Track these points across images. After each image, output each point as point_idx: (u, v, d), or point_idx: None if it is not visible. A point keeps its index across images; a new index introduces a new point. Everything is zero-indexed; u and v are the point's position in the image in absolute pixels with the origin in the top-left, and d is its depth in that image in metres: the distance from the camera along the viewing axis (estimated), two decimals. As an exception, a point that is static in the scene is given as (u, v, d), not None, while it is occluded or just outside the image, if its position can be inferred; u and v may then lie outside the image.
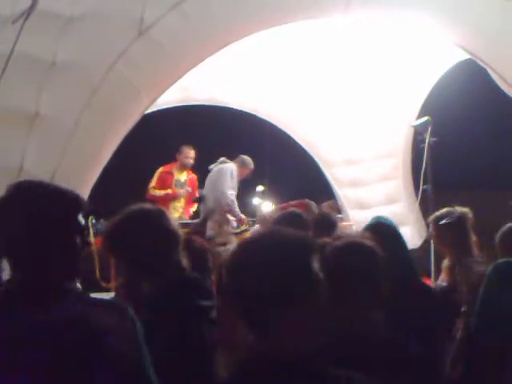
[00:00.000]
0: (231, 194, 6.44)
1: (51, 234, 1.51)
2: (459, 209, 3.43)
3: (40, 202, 1.54)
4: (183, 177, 6.99)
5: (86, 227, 1.63)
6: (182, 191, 6.82)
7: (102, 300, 1.64)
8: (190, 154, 6.95)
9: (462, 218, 3.38)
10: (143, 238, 2.07)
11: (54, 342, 1.41)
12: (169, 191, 6.75)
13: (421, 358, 1.85)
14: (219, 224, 6.42)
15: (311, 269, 1.31)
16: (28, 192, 1.57)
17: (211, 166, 6.92)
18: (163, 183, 6.83)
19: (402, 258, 2.71)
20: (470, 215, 3.41)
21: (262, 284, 1.27)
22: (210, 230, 6.34)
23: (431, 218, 3.59)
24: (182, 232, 2.23)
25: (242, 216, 6.52)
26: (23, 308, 1.46)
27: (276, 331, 1.29)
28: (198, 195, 7.03)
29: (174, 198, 6.69)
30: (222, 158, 6.83)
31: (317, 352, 1.31)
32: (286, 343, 1.29)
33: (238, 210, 6.44)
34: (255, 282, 1.28)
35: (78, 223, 1.58)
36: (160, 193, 6.70)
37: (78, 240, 1.56)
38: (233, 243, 5.99)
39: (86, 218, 1.64)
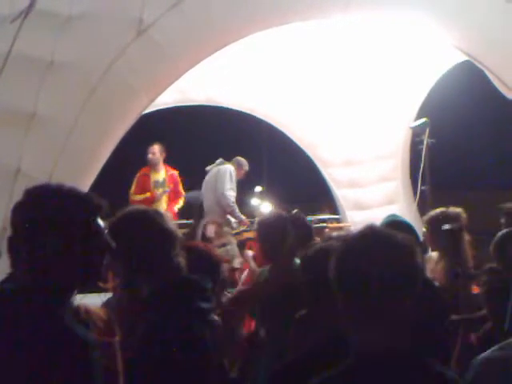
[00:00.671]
0: (231, 195, 6.47)
1: (74, 237, 1.53)
2: (453, 209, 3.44)
3: (61, 205, 1.55)
4: (161, 176, 6.95)
5: (106, 229, 1.63)
6: (159, 192, 6.80)
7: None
8: (150, 150, 6.91)
9: (456, 220, 3.39)
10: (141, 238, 2.06)
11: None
12: (147, 195, 6.73)
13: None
14: (219, 225, 6.44)
15: (419, 271, 1.38)
16: (47, 195, 1.58)
17: (208, 168, 6.91)
18: (142, 187, 6.83)
19: None
20: (464, 216, 3.42)
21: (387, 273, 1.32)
22: (209, 231, 6.36)
23: (425, 218, 3.60)
24: (179, 232, 2.22)
25: (243, 217, 6.55)
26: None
27: (389, 328, 1.34)
28: (181, 191, 7.01)
29: (152, 200, 6.67)
30: (220, 160, 6.84)
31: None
32: (397, 338, 1.34)
33: (238, 211, 6.47)
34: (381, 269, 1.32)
35: (95, 226, 1.59)
36: (140, 197, 6.69)
37: (96, 243, 1.58)
38: (233, 244, 6.03)
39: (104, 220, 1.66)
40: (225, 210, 6.47)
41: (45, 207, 1.53)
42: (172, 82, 4.03)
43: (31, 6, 3.99)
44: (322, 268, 1.50)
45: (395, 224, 2.81)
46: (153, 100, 4.04)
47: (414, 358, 1.35)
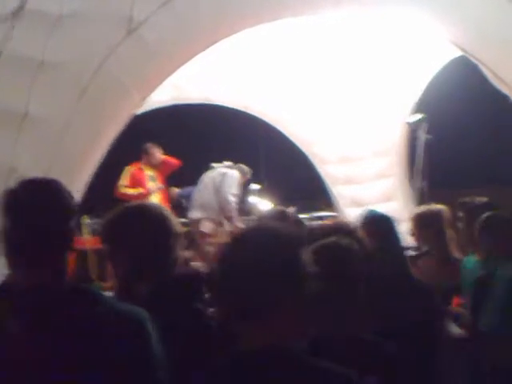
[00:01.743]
0: (235, 201, 6.53)
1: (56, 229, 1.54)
2: (436, 206, 3.47)
3: (44, 197, 1.56)
4: (151, 172, 6.97)
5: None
6: (153, 188, 6.77)
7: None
8: (157, 154, 6.93)
9: (439, 216, 3.43)
10: (142, 234, 2.03)
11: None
12: (141, 190, 6.69)
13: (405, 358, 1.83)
14: (216, 223, 6.46)
15: (299, 263, 1.33)
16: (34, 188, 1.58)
17: (214, 165, 6.92)
18: (136, 181, 6.78)
19: (394, 254, 2.71)
20: (447, 213, 3.46)
21: (254, 279, 1.30)
22: (204, 227, 6.40)
23: (411, 215, 3.67)
24: (180, 228, 2.20)
25: (240, 226, 6.58)
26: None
27: (267, 324, 1.30)
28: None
29: (147, 196, 6.64)
30: (229, 163, 6.88)
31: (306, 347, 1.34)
32: (278, 336, 1.31)
33: (236, 218, 6.54)
34: (247, 276, 1.31)
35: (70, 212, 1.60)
36: (132, 191, 6.63)
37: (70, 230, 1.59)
38: None
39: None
40: (225, 213, 6.50)
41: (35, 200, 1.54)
42: (163, 80, 4.02)
43: (22, 5, 3.97)
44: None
45: (371, 221, 2.82)
46: (144, 98, 4.03)
47: (295, 357, 1.31)
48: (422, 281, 2.86)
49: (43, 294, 1.47)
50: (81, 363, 1.41)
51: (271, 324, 1.31)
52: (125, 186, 6.71)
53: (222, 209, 6.49)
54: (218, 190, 6.55)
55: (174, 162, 7.08)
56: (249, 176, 6.98)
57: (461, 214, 3.29)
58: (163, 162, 6.96)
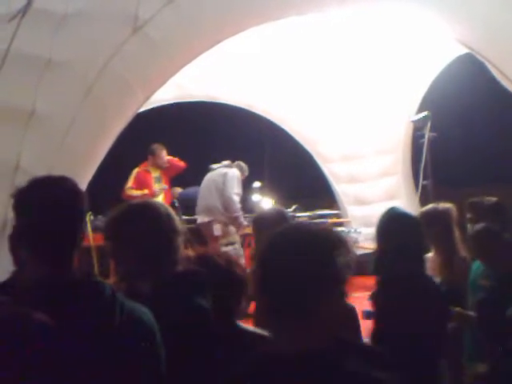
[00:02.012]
0: (238, 200, 6.56)
1: (66, 225, 1.55)
2: (444, 204, 3.44)
3: (55, 194, 1.56)
4: (158, 173, 7.00)
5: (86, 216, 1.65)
6: (157, 189, 6.82)
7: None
8: (164, 155, 6.96)
9: (446, 215, 3.40)
10: (145, 231, 2.04)
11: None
12: (145, 191, 6.74)
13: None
14: (225, 224, 6.49)
15: (337, 264, 1.33)
16: (45, 185, 1.60)
17: (214, 166, 6.93)
18: (141, 183, 6.84)
19: (411, 253, 2.65)
20: (455, 211, 3.43)
21: (294, 281, 1.30)
22: (217, 230, 6.44)
23: (419, 213, 3.63)
24: (183, 227, 2.21)
25: (245, 223, 6.60)
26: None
27: (306, 325, 1.31)
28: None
29: (151, 197, 6.68)
30: (228, 162, 6.88)
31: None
32: (316, 337, 1.30)
33: (242, 217, 6.55)
34: (287, 277, 1.31)
35: (81, 211, 1.62)
36: (137, 193, 6.69)
37: (80, 228, 1.60)
38: (239, 243, 6.11)
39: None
40: (230, 213, 6.53)
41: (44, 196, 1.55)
42: (168, 79, 4.02)
43: (28, 4, 3.99)
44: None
45: (396, 217, 2.78)
46: (149, 97, 4.04)
47: (327, 359, 1.30)
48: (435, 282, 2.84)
49: (54, 288, 1.48)
50: (91, 357, 1.42)
51: (310, 325, 1.31)
52: (130, 187, 6.78)
53: (227, 209, 6.52)
54: (222, 193, 6.58)
55: (179, 164, 7.08)
56: (247, 173, 6.97)
57: (469, 215, 3.24)
58: (169, 164, 6.98)
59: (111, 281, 2.30)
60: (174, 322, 1.88)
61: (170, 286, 2.00)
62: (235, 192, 6.56)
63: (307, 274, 1.30)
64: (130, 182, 6.83)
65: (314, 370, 1.27)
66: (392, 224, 2.71)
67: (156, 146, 6.98)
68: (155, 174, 6.96)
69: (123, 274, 2.11)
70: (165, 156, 6.96)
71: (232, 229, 6.54)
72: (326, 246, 1.35)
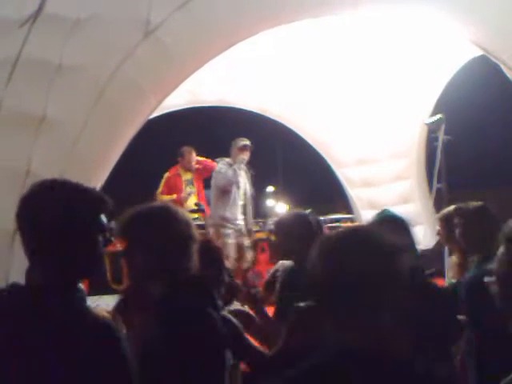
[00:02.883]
0: (225, 183, 6.46)
1: (74, 231, 1.53)
2: (471, 203, 3.40)
3: (65, 199, 1.55)
4: (189, 175, 6.97)
5: (109, 227, 1.64)
6: (184, 195, 6.78)
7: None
8: (192, 158, 6.92)
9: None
10: (159, 234, 2.02)
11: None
12: (173, 196, 6.72)
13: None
14: (215, 226, 6.41)
15: (400, 267, 1.38)
16: (51, 189, 1.58)
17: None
18: (171, 187, 6.83)
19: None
20: None
21: (357, 284, 1.33)
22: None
23: (439, 215, 3.65)
24: (198, 233, 2.18)
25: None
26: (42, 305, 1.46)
27: (368, 326, 1.33)
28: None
29: (179, 201, 6.67)
30: (218, 159, 6.80)
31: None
32: (379, 339, 1.33)
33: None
34: (351, 281, 1.34)
35: (101, 222, 1.60)
36: (167, 198, 6.69)
37: (100, 239, 1.58)
38: (229, 245, 6.01)
39: (109, 218, 1.67)
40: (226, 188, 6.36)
41: (50, 202, 1.53)
42: (180, 83, 4.01)
43: (39, 10, 4.00)
44: None
45: (388, 220, 2.79)
46: (161, 101, 4.02)
47: (393, 358, 1.32)
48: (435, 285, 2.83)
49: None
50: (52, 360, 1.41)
51: (372, 327, 1.33)
52: (161, 193, 6.78)
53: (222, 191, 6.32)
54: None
55: (212, 164, 6.89)
56: (241, 144, 6.58)
57: (456, 220, 3.22)
58: (201, 166, 6.93)
59: (124, 286, 2.29)
60: (181, 327, 1.88)
61: (181, 291, 1.98)
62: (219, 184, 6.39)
63: (381, 273, 1.34)
64: (161, 187, 6.83)
65: (394, 368, 1.30)
66: (383, 226, 2.71)
67: (185, 149, 6.96)
68: (186, 176, 6.93)
69: (134, 277, 2.10)
70: (193, 158, 6.91)
71: (223, 231, 6.37)
72: (392, 245, 1.40)
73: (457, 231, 3.16)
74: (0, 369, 1.42)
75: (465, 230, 3.13)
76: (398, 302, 1.36)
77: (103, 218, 1.62)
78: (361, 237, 1.43)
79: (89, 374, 1.41)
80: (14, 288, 1.54)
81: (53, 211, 1.52)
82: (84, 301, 1.60)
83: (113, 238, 1.68)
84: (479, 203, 3.25)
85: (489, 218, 3.08)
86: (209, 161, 7.02)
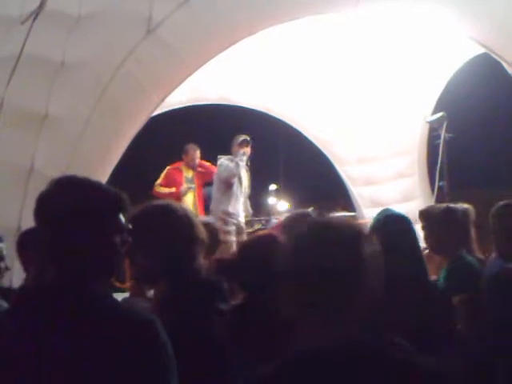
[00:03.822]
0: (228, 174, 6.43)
1: (91, 231, 1.50)
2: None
3: (83, 198, 1.52)
4: (190, 173, 6.96)
5: (126, 226, 1.60)
6: (184, 188, 6.76)
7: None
8: (196, 156, 6.91)
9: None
10: (163, 233, 2.00)
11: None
12: (173, 190, 6.72)
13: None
14: (222, 221, 6.39)
15: (364, 254, 1.35)
16: (70, 187, 1.55)
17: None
18: (171, 180, 6.80)
19: (409, 256, 2.65)
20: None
21: (326, 274, 1.32)
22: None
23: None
24: (205, 232, 2.17)
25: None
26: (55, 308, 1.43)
27: (341, 318, 1.32)
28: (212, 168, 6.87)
29: (177, 195, 6.65)
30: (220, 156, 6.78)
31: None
32: (352, 329, 1.32)
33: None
34: (320, 271, 1.32)
35: (119, 222, 1.56)
36: (165, 190, 6.69)
37: (118, 239, 1.54)
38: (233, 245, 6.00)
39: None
40: (228, 180, 6.33)
41: (67, 200, 1.50)
42: (182, 81, 4.01)
43: (41, 7, 3.99)
44: None
45: (390, 218, 2.78)
46: (163, 99, 4.02)
47: (363, 350, 1.30)
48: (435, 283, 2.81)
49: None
50: (86, 362, 1.39)
51: (348, 316, 1.32)
52: (160, 184, 6.79)
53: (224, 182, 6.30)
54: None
55: (212, 169, 6.81)
56: (240, 139, 6.38)
57: (421, 224, 3.21)
58: (204, 170, 6.92)
59: (127, 285, 2.28)
60: (188, 326, 1.86)
61: (187, 291, 1.98)
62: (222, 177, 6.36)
63: (345, 265, 1.32)
64: (160, 179, 6.83)
65: (365, 360, 1.28)
66: (386, 225, 2.71)
67: (189, 146, 6.93)
68: (188, 174, 6.91)
69: (138, 276, 2.09)
70: (196, 157, 6.89)
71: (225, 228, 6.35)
72: (359, 237, 1.38)
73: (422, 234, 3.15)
74: (15, 370, 1.41)
75: (429, 233, 3.13)
76: (365, 296, 1.33)
77: (121, 217, 1.57)
78: (321, 231, 1.40)
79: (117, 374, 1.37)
80: (26, 288, 1.51)
81: (70, 209, 1.49)
82: (104, 299, 1.53)
83: (130, 239, 1.63)
84: (444, 205, 3.26)
85: (453, 221, 3.07)
86: (212, 166, 7.01)
